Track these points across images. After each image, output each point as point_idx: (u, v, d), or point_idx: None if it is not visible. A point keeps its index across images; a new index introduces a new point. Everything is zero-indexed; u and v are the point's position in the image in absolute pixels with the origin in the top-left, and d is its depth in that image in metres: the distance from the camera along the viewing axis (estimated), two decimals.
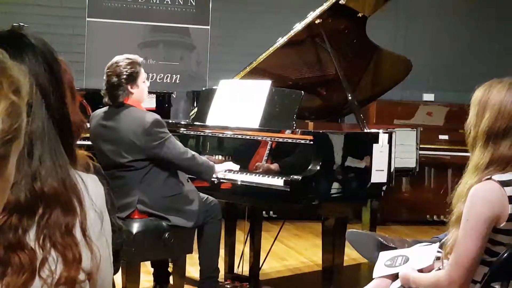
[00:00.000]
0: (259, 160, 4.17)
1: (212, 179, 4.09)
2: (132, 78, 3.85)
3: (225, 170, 4.09)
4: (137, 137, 3.77)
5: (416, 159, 4.74)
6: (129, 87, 3.85)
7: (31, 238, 1.24)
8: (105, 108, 3.96)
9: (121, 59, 3.89)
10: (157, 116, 3.85)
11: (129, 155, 3.80)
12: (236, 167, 4.11)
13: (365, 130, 4.21)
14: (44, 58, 1.35)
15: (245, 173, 4.13)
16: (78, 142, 1.48)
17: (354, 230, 3.44)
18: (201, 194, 4.05)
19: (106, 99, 3.90)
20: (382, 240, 3.12)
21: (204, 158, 4.00)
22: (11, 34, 1.37)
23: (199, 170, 3.96)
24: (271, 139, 4.12)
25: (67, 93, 1.41)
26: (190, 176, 4.07)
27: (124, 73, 3.83)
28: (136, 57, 3.94)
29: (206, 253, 4.10)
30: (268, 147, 4.15)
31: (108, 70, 3.86)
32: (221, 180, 4.14)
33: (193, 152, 3.92)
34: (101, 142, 3.91)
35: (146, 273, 4.46)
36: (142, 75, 3.92)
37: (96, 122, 3.95)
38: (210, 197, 4.11)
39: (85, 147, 1.51)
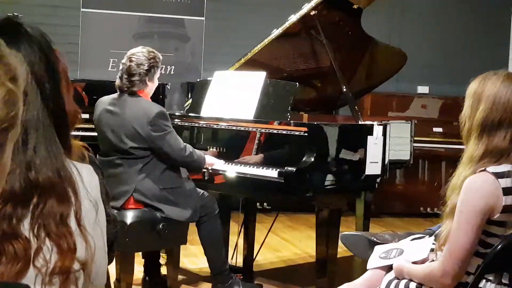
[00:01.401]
0: (254, 152, 4.17)
1: (204, 170, 4.11)
2: (153, 71, 3.93)
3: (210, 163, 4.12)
4: (140, 126, 3.79)
5: (410, 152, 4.75)
6: (147, 79, 3.90)
7: (25, 227, 1.23)
8: (113, 95, 3.99)
9: (146, 50, 3.96)
10: (163, 109, 3.89)
11: (131, 142, 3.81)
12: (222, 163, 4.13)
13: (360, 122, 4.22)
14: (40, 48, 1.35)
15: (239, 165, 4.13)
16: (73, 133, 1.47)
17: (346, 232, 3.45)
18: (198, 191, 4.06)
19: (118, 83, 3.93)
20: (373, 238, 3.13)
21: (198, 152, 4.00)
22: (7, 22, 1.37)
23: (193, 166, 3.98)
24: (265, 130, 4.12)
25: (62, 82, 1.40)
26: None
27: (147, 64, 3.89)
28: (157, 52, 4.02)
29: (211, 251, 4.13)
30: (256, 141, 4.15)
31: (131, 56, 3.91)
32: (215, 172, 4.14)
33: (191, 149, 3.92)
34: (105, 127, 3.93)
35: (138, 264, 4.46)
36: (159, 71, 4.01)
37: (102, 108, 3.98)
38: (205, 192, 4.12)
39: (79, 137, 1.50)
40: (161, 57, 4.03)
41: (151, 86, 3.97)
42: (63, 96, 1.38)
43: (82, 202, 1.32)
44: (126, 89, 3.90)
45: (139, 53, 3.93)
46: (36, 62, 1.32)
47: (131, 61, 3.89)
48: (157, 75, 4.00)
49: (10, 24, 1.35)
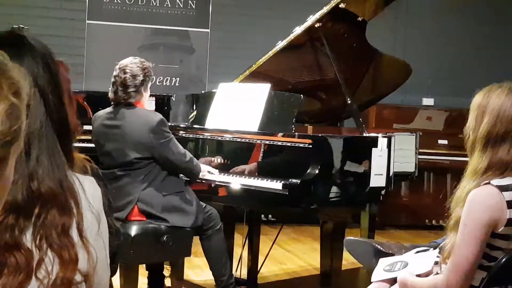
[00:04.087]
0: (258, 164, 4.16)
1: (202, 181, 4.15)
2: (146, 81, 3.93)
3: (207, 171, 4.14)
4: (142, 135, 3.80)
5: (415, 164, 4.73)
6: (142, 89, 3.91)
7: (27, 238, 1.23)
8: (108, 109, 3.98)
9: (138, 60, 3.95)
10: (162, 116, 3.90)
11: (133, 153, 3.83)
12: (216, 172, 4.17)
13: (364, 134, 4.21)
14: (43, 59, 1.36)
15: (243, 177, 4.13)
16: (76, 144, 1.47)
17: (352, 238, 3.43)
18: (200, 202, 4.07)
19: (113, 96, 3.91)
20: (379, 247, 3.12)
21: (196, 160, 4.05)
22: (11, 35, 1.38)
23: (193, 172, 4.02)
24: (269, 142, 4.12)
25: (65, 94, 1.41)
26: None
27: (142, 75, 3.89)
28: (148, 62, 4.02)
29: (216, 265, 4.12)
30: (261, 153, 4.16)
31: (124, 68, 3.88)
32: (220, 184, 4.15)
33: (190, 155, 3.98)
34: (104, 142, 3.94)
35: (141, 276, 4.45)
36: (151, 80, 4.02)
37: (99, 123, 3.98)
38: (208, 205, 4.12)
39: (79, 149, 1.48)
40: (151, 66, 4.04)
41: (146, 96, 3.99)
42: (66, 107, 1.38)
43: (84, 213, 1.32)
44: (122, 101, 3.89)
45: (132, 64, 3.91)
46: (40, 73, 1.33)
47: (125, 72, 3.86)
48: (149, 84, 4.01)
49: (13, 36, 1.36)
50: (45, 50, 1.39)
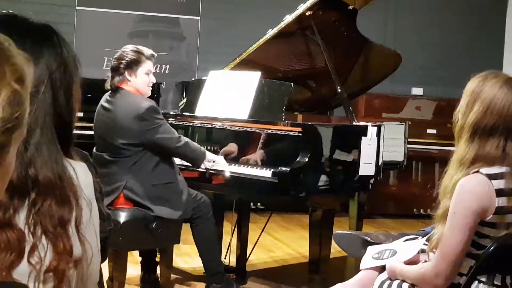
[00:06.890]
0: (248, 152, 4.17)
1: (201, 170, 4.11)
2: (132, 65, 3.92)
3: (213, 161, 4.09)
4: (131, 122, 3.79)
5: (404, 153, 4.75)
6: (126, 73, 3.91)
7: (20, 220, 1.24)
8: (108, 93, 4.02)
9: (129, 46, 4.00)
10: (153, 103, 3.89)
11: (121, 139, 3.82)
12: (225, 164, 4.12)
13: (354, 123, 4.22)
14: (63, 60, 1.39)
15: (233, 164, 4.13)
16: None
17: (340, 231, 3.44)
18: (191, 190, 4.05)
19: (107, 83, 3.98)
20: (367, 238, 3.14)
21: (196, 144, 4.02)
22: (41, 27, 1.42)
23: (191, 156, 3.99)
24: (259, 130, 4.12)
25: (75, 103, 1.42)
26: (180, 165, 4.09)
27: (125, 58, 3.91)
28: (145, 49, 4.01)
29: (206, 252, 4.13)
30: (250, 140, 4.15)
31: (115, 55, 3.98)
32: (210, 171, 4.14)
33: (186, 139, 3.95)
34: (99, 124, 3.97)
35: (134, 263, 4.46)
36: (145, 66, 3.96)
37: (99, 104, 4.01)
38: (199, 193, 4.12)
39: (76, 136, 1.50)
40: (147, 53, 3.99)
41: (136, 81, 3.95)
42: (74, 112, 1.40)
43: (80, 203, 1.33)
44: (110, 85, 3.94)
45: (123, 49, 3.98)
46: (56, 70, 1.35)
47: (113, 58, 3.96)
48: (142, 69, 3.95)
49: (44, 29, 1.41)
50: (70, 54, 1.43)
